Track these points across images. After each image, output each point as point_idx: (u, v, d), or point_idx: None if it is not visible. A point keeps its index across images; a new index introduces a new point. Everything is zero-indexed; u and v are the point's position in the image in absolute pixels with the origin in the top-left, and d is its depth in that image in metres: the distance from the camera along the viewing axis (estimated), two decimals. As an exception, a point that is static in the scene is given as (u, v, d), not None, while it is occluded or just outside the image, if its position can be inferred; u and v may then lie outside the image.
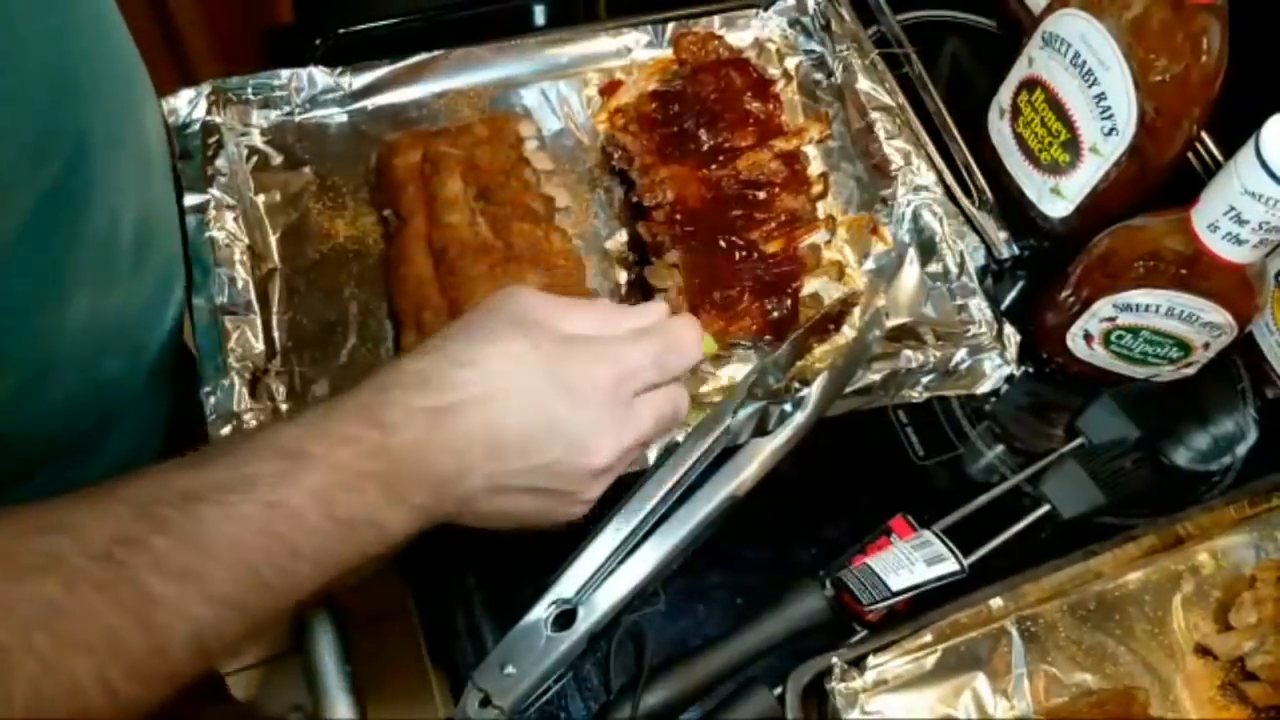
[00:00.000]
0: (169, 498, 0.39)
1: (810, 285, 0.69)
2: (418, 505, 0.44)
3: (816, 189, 0.73)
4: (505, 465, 0.45)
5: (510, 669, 0.53)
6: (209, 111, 0.70)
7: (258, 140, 0.72)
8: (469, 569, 0.61)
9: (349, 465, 0.41)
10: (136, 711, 0.37)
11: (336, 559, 0.42)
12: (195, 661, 0.39)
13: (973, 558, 0.59)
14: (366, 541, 0.43)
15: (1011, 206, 0.76)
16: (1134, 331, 0.66)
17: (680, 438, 0.59)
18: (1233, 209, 0.57)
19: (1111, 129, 0.66)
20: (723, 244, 0.68)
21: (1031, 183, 0.74)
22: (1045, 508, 0.64)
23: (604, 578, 0.55)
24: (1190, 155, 0.78)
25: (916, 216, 0.72)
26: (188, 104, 0.70)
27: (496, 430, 0.45)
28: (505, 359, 0.46)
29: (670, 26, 0.79)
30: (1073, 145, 0.69)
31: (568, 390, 0.46)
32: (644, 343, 0.49)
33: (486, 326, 0.47)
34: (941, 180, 0.74)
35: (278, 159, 0.72)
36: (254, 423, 0.59)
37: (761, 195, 0.71)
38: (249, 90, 0.72)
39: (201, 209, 0.66)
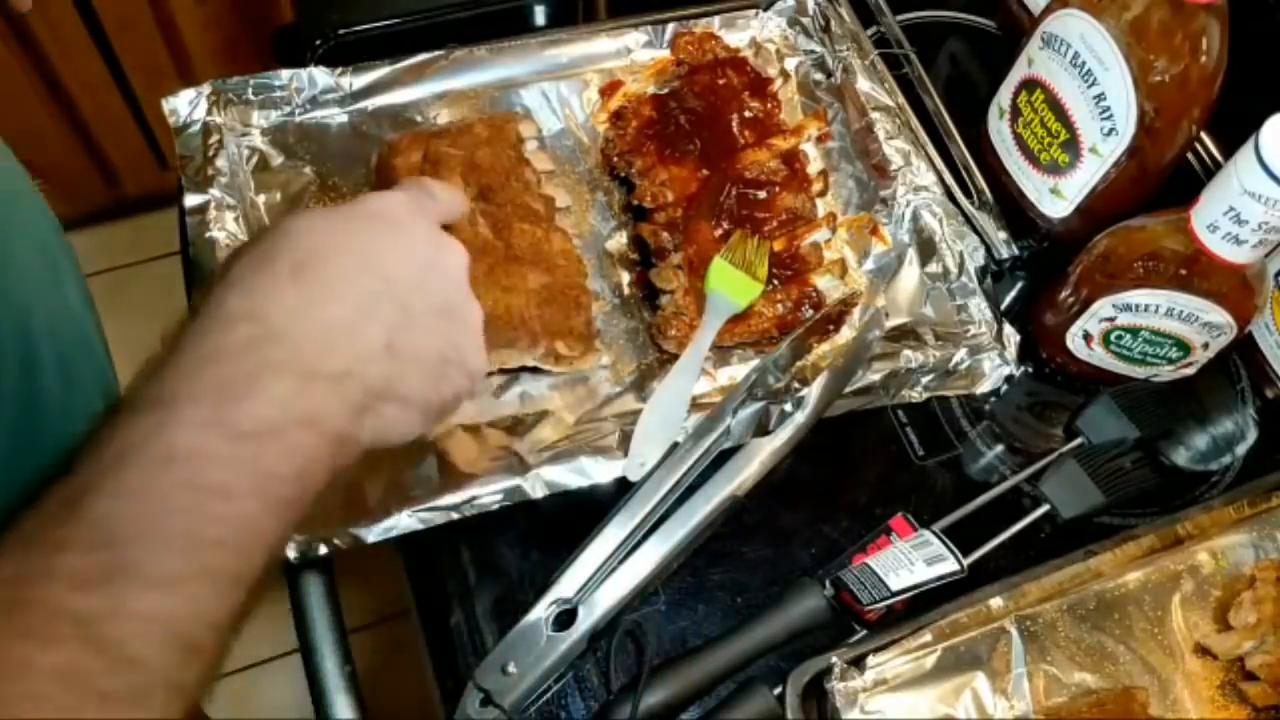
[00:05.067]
0: (53, 513, 0.32)
1: (813, 283, 0.69)
2: (328, 375, 0.38)
3: (816, 187, 0.73)
4: (399, 290, 0.43)
5: (511, 668, 0.53)
6: (209, 112, 0.70)
7: (258, 140, 0.72)
8: (469, 569, 0.61)
9: (236, 356, 0.36)
10: None
11: (274, 476, 0.35)
12: (188, 660, 0.32)
13: (972, 557, 0.59)
14: (298, 447, 0.36)
15: (1011, 207, 0.76)
16: (1133, 331, 0.66)
17: (680, 439, 0.59)
18: (1232, 209, 0.57)
19: (1111, 129, 0.66)
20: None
21: (1031, 183, 0.74)
22: (1045, 507, 0.64)
23: (604, 578, 0.55)
24: (1190, 155, 0.78)
25: (916, 217, 0.72)
26: (188, 104, 0.70)
27: (373, 264, 0.42)
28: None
29: (670, 27, 0.79)
30: (1072, 145, 0.69)
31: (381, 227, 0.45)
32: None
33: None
34: (941, 180, 0.74)
35: (278, 159, 0.72)
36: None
37: (762, 195, 0.71)
38: (249, 90, 0.72)
39: (202, 209, 0.66)
